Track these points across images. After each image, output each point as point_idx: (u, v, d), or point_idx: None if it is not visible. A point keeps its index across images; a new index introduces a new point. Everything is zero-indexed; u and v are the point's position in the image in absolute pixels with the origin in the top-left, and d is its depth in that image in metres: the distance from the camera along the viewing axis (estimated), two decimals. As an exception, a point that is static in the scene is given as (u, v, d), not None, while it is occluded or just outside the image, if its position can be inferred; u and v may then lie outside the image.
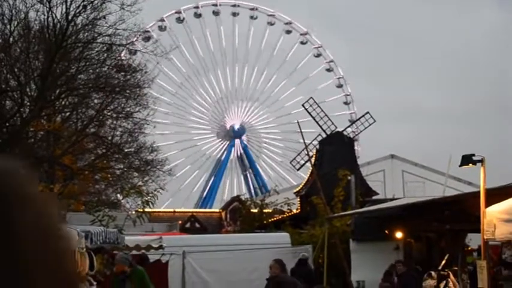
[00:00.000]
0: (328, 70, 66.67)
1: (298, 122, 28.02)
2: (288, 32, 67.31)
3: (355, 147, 43.91)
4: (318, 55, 66.81)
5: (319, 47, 66.83)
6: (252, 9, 67.00)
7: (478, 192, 12.27)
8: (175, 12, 64.45)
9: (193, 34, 65.98)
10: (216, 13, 66.28)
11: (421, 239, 20.30)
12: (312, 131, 41.50)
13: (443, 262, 15.02)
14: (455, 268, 15.20)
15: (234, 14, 66.89)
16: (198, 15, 65.73)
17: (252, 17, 67.25)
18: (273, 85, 68.95)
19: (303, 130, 26.76)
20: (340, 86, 66.14)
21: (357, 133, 43.38)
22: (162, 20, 63.01)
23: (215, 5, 66.01)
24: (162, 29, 62.91)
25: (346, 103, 65.38)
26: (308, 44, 67.11)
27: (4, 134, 22.55)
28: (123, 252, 12.26)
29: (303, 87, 65.87)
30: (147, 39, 57.35)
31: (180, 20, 64.95)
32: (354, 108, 63.59)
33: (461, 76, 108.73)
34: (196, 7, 65.37)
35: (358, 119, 44.45)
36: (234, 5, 66.60)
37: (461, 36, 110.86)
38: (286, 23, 67.09)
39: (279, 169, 66.89)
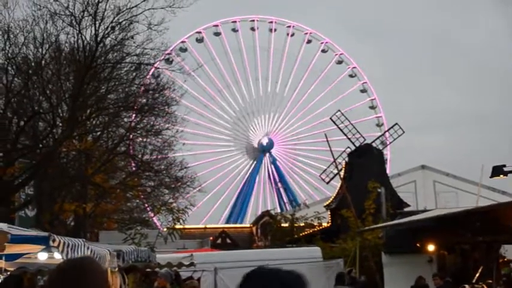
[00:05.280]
0: (362, 91, 66.50)
1: (325, 135, 27.99)
2: (324, 50, 67.52)
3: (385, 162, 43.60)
4: (353, 75, 66.78)
5: (353, 67, 66.78)
6: (289, 26, 67.43)
7: (511, 203, 12.10)
8: (213, 26, 65.31)
9: (229, 47, 66.70)
10: (252, 29, 66.94)
11: (455, 251, 20.02)
12: (342, 147, 41.26)
13: (477, 275, 14.79)
14: (490, 281, 14.94)
15: (271, 30, 67.44)
16: (235, 30, 66.44)
17: (288, 34, 67.68)
18: (305, 102, 68.97)
19: (332, 144, 26.74)
20: (373, 107, 65.86)
21: (385, 145, 43.07)
22: (199, 32, 63.97)
23: (253, 20, 66.67)
24: (198, 40, 63.86)
25: (378, 125, 64.91)
26: (343, 64, 67.14)
27: (38, 155, 22.98)
28: (168, 269, 12.42)
29: (335, 106, 65.59)
30: (184, 50, 58.48)
31: (217, 34, 65.78)
32: (386, 129, 63.05)
33: (492, 83, 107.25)
34: (234, 22, 66.10)
35: (387, 130, 44.17)
36: (271, 22, 67.16)
37: (494, 42, 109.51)
38: (322, 42, 67.35)
39: (308, 183, 66.68)
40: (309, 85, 68.87)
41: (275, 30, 67.36)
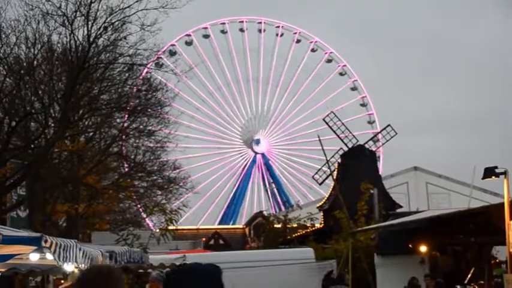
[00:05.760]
0: (353, 89, 66.67)
1: (319, 136, 28.01)
2: (314, 50, 67.62)
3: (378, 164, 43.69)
4: (343, 73, 66.93)
5: (344, 65, 66.94)
6: (278, 26, 67.52)
7: (502, 204, 12.15)
8: (202, 28, 65.26)
9: (219, 49, 66.59)
10: (241, 30, 66.93)
11: (447, 252, 20.08)
12: (334, 148, 41.32)
13: (470, 276, 14.84)
14: (482, 282, 15.00)
15: (260, 31, 67.49)
16: (224, 32, 66.42)
17: (277, 34, 67.73)
18: (297, 102, 69.02)
19: (324, 145, 26.76)
20: (364, 105, 66.07)
21: (378, 146, 43.15)
22: (188, 34, 63.91)
23: (241, 21, 66.68)
24: (188, 43, 63.78)
25: (369, 122, 65.17)
26: (333, 62, 67.29)
27: (30, 156, 22.88)
28: (159, 271, 12.35)
29: (326, 105, 65.78)
30: (173, 53, 58.32)
31: (206, 36, 65.72)
32: (378, 127, 63.32)
33: (486, 85, 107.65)
34: (223, 23, 66.09)
35: (380, 131, 44.25)
36: (260, 22, 67.21)
37: (492, 43, 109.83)
38: (312, 41, 67.45)
39: (301, 184, 66.74)
40: (299, 85, 68.95)
41: (264, 30, 67.39)
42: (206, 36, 65.77)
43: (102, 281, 2.93)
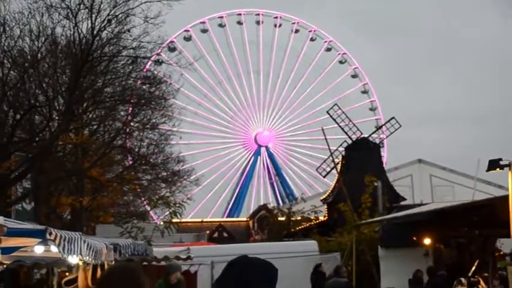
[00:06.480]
0: (353, 76, 66.54)
1: (322, 129, 27.95)
2: (313, 39, 67.45)
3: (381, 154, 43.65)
4: (343, 61, 66.77)
5: (343, 53, 66.78)
6: (276, 17, 67.39)
7: (507, 197, 12.12)
8: (200, 23, 65.11)
9: (218, 43, 66.52)
10: (240, 23, 66.77)
11: (451, 244, 20.06)
12: (339, 137, 41.38)
13: (474, 268, 14.83)
14: (486, 274, 14.98)
15: (258, 23, 67.34)
16: (222, 26, 66.26)
17: (276, 25, 67.57)
18: (298, 92, 69.00)
19: (328, 137, 26.74)
20: (365, 92, 65.98)
21: (382, 139, 43.06)
22: (186, 30, 63.75)
23: (239, 14, 66.52)
24: (186, 39, 63.65)
25: (371, 109, 65.14)
26: (333, 50, 67.13)
27: (34, 149, 22.94)
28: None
29: (328, 94, 65.84)
30: (172, 49, 58.12)
31: (204, 30, 65.58)
32: (380, 114, 63.36)
33: (489, 78, 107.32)
34: (221, 17, 65.91)
35: (384, 124, 44.16)
36: (257, 14, 67.03)
37: (492, 39, 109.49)
38: (310, 30, 67.28)
39: (305, 176, 66.75)
40: (300, 75, 68.85)
41: (262, 22, 67.29)
42: (204, 31, 65.57)
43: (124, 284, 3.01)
